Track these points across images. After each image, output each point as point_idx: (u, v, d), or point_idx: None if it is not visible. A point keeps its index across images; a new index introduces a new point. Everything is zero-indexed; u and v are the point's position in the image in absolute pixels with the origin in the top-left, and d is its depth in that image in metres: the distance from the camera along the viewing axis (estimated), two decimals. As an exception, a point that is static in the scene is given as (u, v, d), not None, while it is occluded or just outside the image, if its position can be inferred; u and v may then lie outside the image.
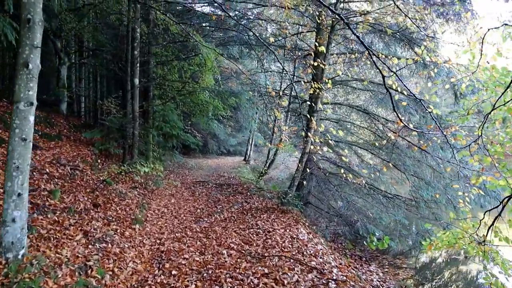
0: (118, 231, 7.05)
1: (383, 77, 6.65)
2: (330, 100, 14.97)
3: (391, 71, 6.62)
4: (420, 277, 10.03)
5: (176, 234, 7.98)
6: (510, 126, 6.69)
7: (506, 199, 5.47)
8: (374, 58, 7.13)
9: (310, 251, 7.15)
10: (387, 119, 13.05)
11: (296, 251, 7.10)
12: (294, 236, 8.12)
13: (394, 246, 10.94)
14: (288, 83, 17.01)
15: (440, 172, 11.55)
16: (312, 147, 8.02)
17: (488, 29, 5.04)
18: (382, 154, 12.40)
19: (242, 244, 7.48)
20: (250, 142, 27.43)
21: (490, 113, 6.04)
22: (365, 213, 11.29)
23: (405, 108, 12.38)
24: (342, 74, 12.81)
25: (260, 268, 6.09)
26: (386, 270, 9.78)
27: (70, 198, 7.31)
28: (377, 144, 11.61)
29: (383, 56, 11.99)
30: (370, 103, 14.82)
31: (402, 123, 6.70)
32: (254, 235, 8.09)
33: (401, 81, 6.44)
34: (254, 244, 7.46)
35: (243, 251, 6.97)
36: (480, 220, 5.94)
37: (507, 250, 5.83)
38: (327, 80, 8.11)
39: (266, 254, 6.79)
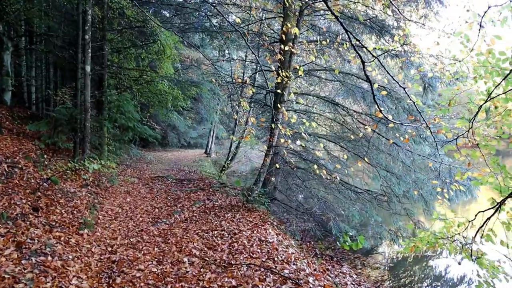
0: (62, 238, 6.05)
1: (363, 63, 5.99)
2: (297, 91, 14.32)
3: (374, 56, 6.01)
4: (393, 277, 9.61)
5: (131, 239, 7.03)
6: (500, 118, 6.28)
7: (502, 200, 5.00)
8: (354, 41, 6.53)
9: (281, 256, 6.46)
10: (355, 110, 12.53)
11: (266, 256, 6.39)
12: (263, 238, 7.40)
13: (367, 245, 10.48)
14: (253, 72, 16.22)
15: (409, 166, 11.18)
16: (282, 140, 7.34)
17: (489, 6, 4.49)
18: (351, 147, 11.88)
19: (206, 249, 6.67)
20: (212, 134, 26.54)
21: (485, 102, 5.57)
22: (337, 211, 10.74)
23: (372, 100, 11.93)
24: (310, 63, 12.17)
25: (227, 279, 5.31)
26: (359, 271, 9.26)
27: (4, 202, 6.24)
28: (352, 137, 11.04)
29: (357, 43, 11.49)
30: (337, 94, 14.30)
31: (382, 114, 6.14)
32: (219, 238, 7.30)
33: (383, 67, 5.80)
34: (219, 249, 6.67)
35: (207, 258, 6.18)
36: (470, 221, 5.48)
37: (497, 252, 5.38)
38: (298, 67, 7.41)
39: (233, 262, 6.02)
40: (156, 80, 15.00)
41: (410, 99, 6.19)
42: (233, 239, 7.27)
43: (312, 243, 10.49)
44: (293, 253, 6.85)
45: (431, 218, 6.29)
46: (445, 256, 11.10)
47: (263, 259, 6.23)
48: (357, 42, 6.11)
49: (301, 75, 7.42)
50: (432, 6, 11.63)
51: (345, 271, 8.71)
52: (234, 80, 12.70)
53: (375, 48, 8.50)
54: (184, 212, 9.31)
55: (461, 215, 5.87)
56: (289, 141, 7.06)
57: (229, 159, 20.93)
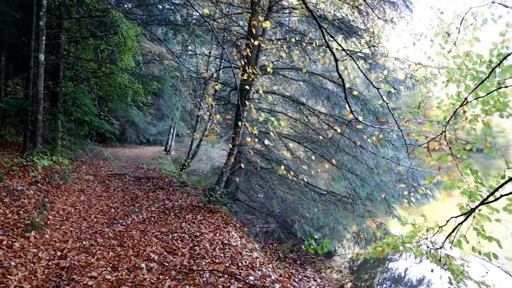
0: (4, 243, 5.46)
1: (336, 61, 5.78)
2: (263, 89, 14.04)
3: (348, 54, 5.79)
4: (356, 279, 9.50)
5: (84, 242, 6.46)
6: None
7: (476, 206, 4.89)
8: (328, 37, 6.31)
9: (245, 261, 6.13)
10: (321, 111, 12.39)
11: (230, 261, 6.04)
12: (226, 241, 7.04)
13: (331, 248, 10.32)
14: (217, 69, 15.76)
15: (372, 168, 11.15)
16: (248, 139, 7.03)
17: (470, 8, 4.34)
18: (316, 148, 11.71)
19: (165, 253, 6.24)
20: (172, 131, 25.85)
21: (462, 105, 5.47)
22: (301, 213, 10.51)
23: (336, 101, 11.82)
24: (277, 60, 11.93)
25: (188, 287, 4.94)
26: (323, 274, 9.06)
27: None
28: (316, 137, 10.88)
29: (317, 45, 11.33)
30: (301, 94, 14.14)
31: (353, 115, 5.96)
32: (179, 241, 6.88)
33: (357, 65, 5.59)
34: (179, 254, 6.26)
35: (167, 264, 5.75)
36: (440, 227, 5.38)
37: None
38: (267, 64, 7.14)
39: (194, 268, 5.63)
40: (115, 73, 14.31)
41: (384, 100, 6.00)
42: (195, 242, 6.87)
43: (275, 245, 10.23)
44: (257, 257, 6.54)
45: (401, 223, 6.12)
46: (405, 258, 11.14)
47: (227, 265, 5.88)
48: (331, 39, 5.89)
49: (269, 71, 7.11)
50: (399, 10, 11.64)
51: (309, 275, 8.49)
52: (200, 75, 12.26)
53: (343, 49, 8.29)
54: (142, 213, 8.81)
55: (416, 217, 5.79)
56: (256, 140, 6.77)
57: (190, 157, 20.40)
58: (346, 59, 7.33)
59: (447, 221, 5.18)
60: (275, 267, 6.58)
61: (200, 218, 8.46)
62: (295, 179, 8.84)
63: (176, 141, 28.21)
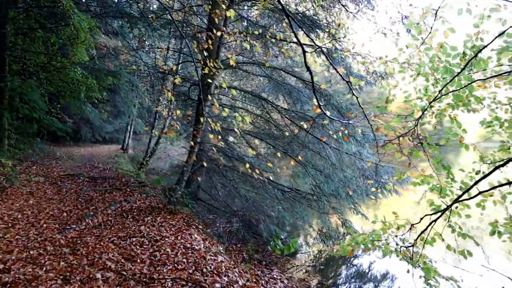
0: None
1: (304, 52, 5.50)
2: (226, 84, 13.60)
3: (316, 46, 5.52)
4: (323, 277, 9.32)
5: (31, 252, 5.84)
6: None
7: (451, 204, 4.74)
8: (295, 27, 6.02)
9: (210, 267, 5.75)
10: (284, 107, 12.11)
11: (194, 267, 5.64)
12: (188, 245, 6.63)
13: (297, 246, 10.08)
14: (175, 63, 15.17)
15: (334, 164, 11.01)
16: (211, 136, 6.62)
17: (445, -4, 4.14)
18: (279, 145, 11.43)
19: (123, 260, 5.75)
20: (129, 129, 24.94)
21: (435, 99, 5.31)
22: (266, 212, 10.19)
23: (298, 96, 11.59)
24: (240, 54, 11.57)
25: (148, 299, 4.51)
26: (290, 274, 8.79)
27: None
28: (286, 133, 10.58)
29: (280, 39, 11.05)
30: (262, 90, 13.85)
31: (321, 109, 5.73)
32: (138, 247, 6.40)
33: (327, 57, 5.30)
34: (139, 260, 5.78)
35: (125, 272, 5.27)
36: (412, 224, 5.22)
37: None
38: (230, 56, 6.76)
39: (155, 276, 5.19)
40: (67, 67, 13.45)
41: (353, 94, 5.80)
42: (155, 247, 6.42)
43: (239, 245, 9.86)
44: (223, 261, 6.18)
45: (372, 221, 5.93)
46: (368, 254, 11.12)
47: (190, 271, 5.48)
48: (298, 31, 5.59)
49: (232, 65, 6.72)
50: (362, 5, 11.53)
51: (276, 276, 8.17)
52: (158, 69, 11.71)
53: (313, 41, 8.09)
54: (97, 216, 8.22)
55: (374, 211, 5.68)
56: (220, 137, 6.39)
57: (148, 155, 19.69)
58: (314, 51, 7.08)
59: (421, 218, 5.03)
60: (241, 271, 6.24)
61: (160, 221, 7.99)
62: (260, 177, 8.50)
63: (133, 139, 27.29)
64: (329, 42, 10.43)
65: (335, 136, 8.89)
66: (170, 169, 19.96)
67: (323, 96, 11.16)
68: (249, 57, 12.80)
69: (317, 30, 11.13)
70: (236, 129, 6.34)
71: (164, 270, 5.42)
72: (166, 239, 6.81)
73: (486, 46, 4.53)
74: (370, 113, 6.28)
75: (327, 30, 10.76)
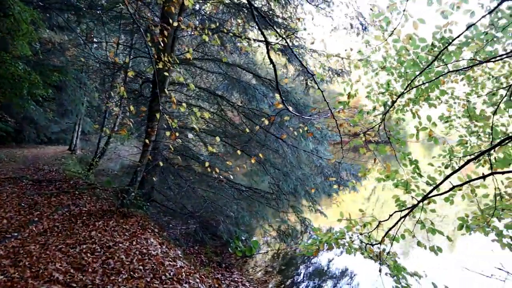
0: None
1: (267, 45, 5.25)
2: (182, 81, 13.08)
3: (281, 37, 5.26)
4: (284, 277, 9.13)
5: (-36, 265, 5.25)
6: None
7: (419, 201, 4.63)
8: (255, 12, 5.72)
9: (170, 273, 5.34)
10: (240, 105, 11.79)
11: (152, 275, 5.21)
12: (145, 250, 6.18)
13: (258, 248, 9.81)
14: (131, 55, 14.40)
15: (291, 162, 10.86)
16: (168, 133, 6.19)
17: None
18: (235, 143, 11.12)
19: (72, 271, 5.22)
20: (77, 129, 23.68)
21: (402, 93, 5.18)
22: (225, 212, 9.82)
23: (254, 94, 11.32)
24: (196, 48, 11.14)
25: (102, 314, 4.05)
26: (251, 276, 8.48)
27: None
28: (246, 130, 10.26)
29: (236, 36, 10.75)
30: (217, 87, 13.48)
31: (284, 105, 5.51)
32: (89, 254, 5.87)
33: (291, 49, 5.08)
34: (90, 270, 5.28)
35: (74, 284, 4.76)
36: (380, 222, 5.09)
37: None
38: (186, 50, 6.37)
39: (109, 286, 4.72)
40: (7, 61, 12.46)
41: (318, 88, 5.61)
42: (108, 254, 5.92)
43: (196, 248, 9.44)
44: (182, 267, 5.79)
45: (338, 219, 5.73)
46: (326, 251, 11.09)
47: (148, 279, 5.05)
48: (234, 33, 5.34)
49: (189, 58, 6.34)
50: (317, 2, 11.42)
51: (236, 279, 7.85)
52: (110, 63, 11.07)
53: (278, 33, 7.83)
54: (42, 222, 7.54)
55: (330, 209, 5.53)
56: (177, 134, 5.98)
57: (98, 156, 18.75)
58: (277, 42, 6.80)
59: (390, 215, 4.87)
60: (203, 276, 5.87)
61: (113, 225, 7.45)
62: (221, 176, 8.17)
63: (81, 139, 26.00)
64: (291, 34, 10.21)
65: (295, 133, 8.71)
66: (121, 170, 19.12)
67: (282, 92, 10.97)
68: (204, 53, 12.41)
69: (273, 26, 10.89)
70: (195, 126, 5.96)
71: (119, 280, 4.96)
72: (120, 244, 6.33)
73: (455, 38, 4.43)
74: (334, 108, 6.11)
75: (285, 25, 10.56)
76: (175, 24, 6.56)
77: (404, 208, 4.85)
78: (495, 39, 4.73)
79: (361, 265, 9.86)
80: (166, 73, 7.03)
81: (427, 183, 5.28)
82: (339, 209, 5.79)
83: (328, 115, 6.94)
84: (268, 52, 5.40)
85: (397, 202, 5.29)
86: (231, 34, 9.66)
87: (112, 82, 15.46)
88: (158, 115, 6.40)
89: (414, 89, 5.88)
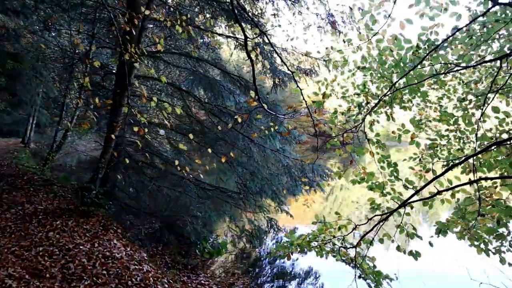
0: None
1: (245, 38, 4.99)
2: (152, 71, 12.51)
3: (261, 32, 5.01)
4: (250, 278, 8.95)
5: None
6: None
7: (400, 205, 4.53)
8: (237, 11, 5.43)
9: (136, 278, 4.99)
10: (208, 102, 11.42)
11: (117, 280, 4.85)
12: (108, 253, 5.77)
13: (226, 249, 9.53)
14: (92, 45, 13.65)
15: (258, 162, 10.65)
16: (136, 128, 5.78)
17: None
18: (201, 141, 10.77)
19: (28, 277, 4.76)
20: (32, 121, 22.48)
21: (385, 95, 5.08)
22: (191, 212, 9.43)
23: (220, 90, 10.99)
24: (167, 38, 10.73)
25: (63, 326, 3.67)
26: (218, 279, 8.17)
27: None
28: (217, 128, 9.95)
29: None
30: (182, 83, 13.06)
31: (260, 103, 5.31)
32: (46, 258, 5.40)
33: (270, 44, 4.86)
34: (48, 275, 4.84)
35: (30, 292, 4.35)
36: (356, 226, 4.82)
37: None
38: (159, 40, 5.99)
39: (70, 294, 4.34)
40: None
41: (298, 86, 5.44)
42: (68, 257, 5.48)
43: (160, 248, 9.02)
44: (149, 271, 5.45)
45: (312, 222, 5.59)
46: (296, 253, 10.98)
47: (113, 285, 4.70)
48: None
49: (160, 50, 6.00)
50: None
51: (203, 282, 7.52)
52: (70, 52, 10.46)
53: (231, 37, 7.58)
54: (-7, 221, 6.97)
55: (291, 207, 5.40)
56: (146, 130, 5.61)
57: (54, 150, 17.82)
58: (257, 36, 6.54)
59: (370, 219, 4.66)
60: (171, 280, 5.54)
61: (73, 225, 6.96)
62: (186, 175, 7.82)
63: (36, 132, 24.70)
64: (266, 31, 9.97)
65: (266, 132, 8.49)
66: (81, 165, 18.29)
67: (247, 91, 10.75)
68: (171, 47, 11.99)
69: (250, 21, 10.68)
70: (166, 122, 5.62)
71: (81, 286, 4.58)
72: (81, 247, 5.89)
73: (443, 41, 4.33)
74: (311, 107, 5.96)
75: (256, 22, 10.30)
76: (147, 12, 6.15)
77: (385, 213, 4.73)
78: (478, 43, 4.70)
79: (325, 265, 9.82)
80: (136, 65, 6.61)
81: (405, 187, 5.19)
82: (305, 209, 5.63)
83: (302, 114, 6.80)
84: (246, 47, 5.15)
85: (372, 205, 5.20)
86: (201, 27, 9.31)
87: (71, 72, 14.69)
88: (126, 109, 5.98)
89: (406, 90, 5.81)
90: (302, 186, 10.76)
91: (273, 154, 10.70)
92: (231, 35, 11.60)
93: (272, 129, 8.31)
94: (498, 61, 4.95)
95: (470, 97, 6.52)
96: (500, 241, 4.37)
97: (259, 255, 10.50)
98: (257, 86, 10.52)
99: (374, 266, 4.82)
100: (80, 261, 5.33)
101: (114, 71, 11.35)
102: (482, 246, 4.38)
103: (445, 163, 6.57)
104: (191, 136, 5.70)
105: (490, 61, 4.90)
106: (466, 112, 6.44)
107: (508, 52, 4.83)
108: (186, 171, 6.25)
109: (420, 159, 6.91)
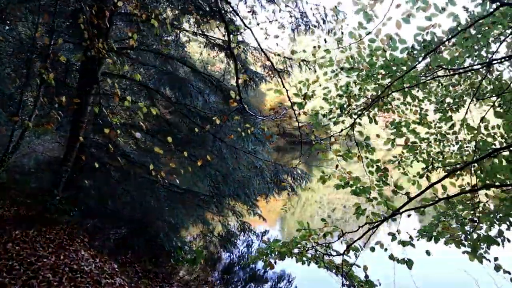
0: None
1: (229, 34, 4.67)
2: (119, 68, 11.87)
3: (246, 26, 4.69)
4: (225, 284, 8.66)
5: None
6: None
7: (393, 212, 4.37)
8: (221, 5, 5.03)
9: (109, 295, 4.54)
10: (177, 101, 10.92)
11: (87, 298, 4.38)
12: (76, 266, 5.27)
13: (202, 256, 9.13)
14: (52, 39, 12.79)
15: (228, 164, 10.30)
16: (106, 130, 5.27)
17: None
18: (177, 143, 10.32)
19: (-16, 297, 4.24)
20: (-17, 119, 21.28)
21: (379, 97, 4.93)
22: (163, 218, 8.91)
23: (189, 90, 10.56)
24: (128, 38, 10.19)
25: None
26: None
27: None
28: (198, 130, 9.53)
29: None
30: (148, 81, 12.54)
31: (241, 103, 5.07)
32: (5, 274, 4.82)
33: (256, 40, 4.55)
34: (8, 294, 4.33)
35: (-12, 315, 3.83)
36: (344, 233, 4.56)
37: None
38: (132, 34, 5.55)
39: (35, 317, 3.84)
40: None
41: (283, 86, 5.21)
42: (30, 272, 4.94)
43: (129, 256, 8.44)
44: (122, 285, 5.02)
45: (297, 229, 5.36)
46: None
47: (83, 304, 4.21)
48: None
49: (133, 45, 5.54)
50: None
51: (177, 292, 7.09)
52: (30, 45, 9.76)
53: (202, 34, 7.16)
54: None
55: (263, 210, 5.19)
56: (118, 131, 5.16)
57: (10, 151, 16.76)
58: (242, 32, 6.18)
59: (361, 226, 4.42)
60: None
61: (34, 235, 6.38)
62: (163, 180, 7.35)
63: (-11, 131, 23.39)
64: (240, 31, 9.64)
65: (243, 134, 8.16)
66: (37, 167, 17.30)
67: (226, 90, 10.43)
68: (139, 43, 11.45)
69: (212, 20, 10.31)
70: (141, 123, 5.18)
71: (47, 307, 4.08)
72: (45, 259, 5.35)
73: (440, 44, 4.16)
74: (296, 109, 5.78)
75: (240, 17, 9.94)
76: (120, 3, 5.68)
77: (377, 220, 4.54)
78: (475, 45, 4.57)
79: (298, 268, 9.71)
80: (110, 61, 6.11)
81: (393, 192, 5.04)
82: (270, 209, 5.37)
83: (281, 116, 6.56)
84: (229, 42, 4.82)
85: (357, 211, 5.02)
86: (173, 24, 8.87)
87: (29, 68, 13.82)
88: (97, 109, 5.47)
89: (373, 92, 5.65)
90: (274, 189, 10.58)
91: (245, 156, 10.40)
92: (201, 33, 11.23)
93: (248, 131, 8.01)
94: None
95: (448, 100, 6.50)
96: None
97: (233, 260, 10.21)
98: (226, 87, 10.27)
99: (366, 276, 4.56)
100: (45, 277, 4.80)
101: (77, 68, 10.77)
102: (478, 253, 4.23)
103: (424, 166, 6.53)
104: (169, 139, 5.25)
105: (483, 64, 4.77)
106: (445, 115, 6.40)
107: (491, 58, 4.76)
108: (161, 176, 5.82)
109: (399, 162, 6.82)
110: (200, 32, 11.25)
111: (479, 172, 4.19)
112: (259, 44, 4.54)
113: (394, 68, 4.78)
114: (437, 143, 6.46)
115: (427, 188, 4.30)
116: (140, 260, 8.23)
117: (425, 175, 5.76)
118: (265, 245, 5.57)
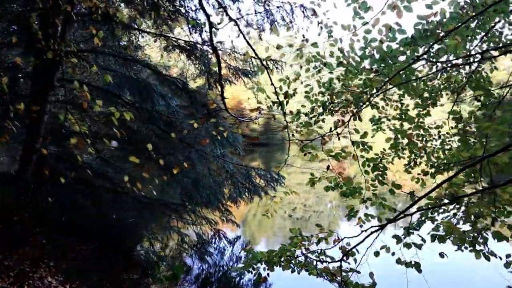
0: None
1: (211, 28, 4.27)
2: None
3: (232, 20, 4.31)
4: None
5: None
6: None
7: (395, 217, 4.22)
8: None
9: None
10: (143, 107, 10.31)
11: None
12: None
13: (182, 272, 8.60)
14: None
15: (198, 170, 9.86)
16: (73, 140, 4.64)
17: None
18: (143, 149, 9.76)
19: None
20: None
21: (373, 95, 4.79)
22: (138, 232, 8.28)
23: (149, 94, 9.98)
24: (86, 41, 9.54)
25: None
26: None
27: None
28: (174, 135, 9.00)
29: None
30: (108, 85, 11.85)
31: (225, 107, 4.80)
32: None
33: (244, 36, 4.23)
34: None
35: None
36: (341, 239, 4.49)
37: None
38: (96, 32, 4.99)
39: None
40: None
41: (272, 84, 4.96)
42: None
43: (101, 273, 7.70)
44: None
45: (290, 237, 5.11)
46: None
47: None
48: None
49: (98, 44, 5.00)
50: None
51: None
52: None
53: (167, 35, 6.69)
54: None
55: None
56: (88, 141, 4.60)
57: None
58: (226, 24, 5.75)
59: (362, 231, 4.36)
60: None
61: (-10, 259, 5.62)
62: (142, 193, 6.82)
63: None
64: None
65: (219, 137, 7.75)
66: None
67: (190, 93, 9.96)
68: (97, 45, 10.76)
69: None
70: (115, 131, 4.64)
71: None
72: (4, 291, 4.66)
73: (440, 39, 3.93)
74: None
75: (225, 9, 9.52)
76: (85, 4, 5.08)
77: (379, 225, 4.33)
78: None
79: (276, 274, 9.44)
80: (72, 65, 5.50)
81: (391, 192, 4.89)
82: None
83: (259, 117, 6.33)
84: (211, 38, 4.39)
85: (350, 213, 4.84)
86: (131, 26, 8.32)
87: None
88: (62, 116, 4.82)
89: (356, 89, 5.45)
90: (244, 194, 10.28)
91: (215, 160, 9.99)
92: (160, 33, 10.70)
93: (224, 134, 7.59)
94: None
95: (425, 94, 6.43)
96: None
97: (210, 272, 9.77)
98: (190, 89, 9.80)
99: (374, 284, 4.29)
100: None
101: (30, 72, 9.98)
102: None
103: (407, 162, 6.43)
104: (149, 146, 4.74)
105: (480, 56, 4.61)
106: (423, 110, 6.35)
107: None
108: (138, 188, 5.27)
109: (380, 159, 6.63)
110: (159, 33, 10.71)
111: (486, 168, 3.98)
112: (245, 38, 4.13)
113: (390, 61, 4.54)
114: (420, 138, 6.34)
115: (436, 187, 4.11)
116: (116, 280, 7.55)
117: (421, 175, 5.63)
118: (246, 254, 5.25)
